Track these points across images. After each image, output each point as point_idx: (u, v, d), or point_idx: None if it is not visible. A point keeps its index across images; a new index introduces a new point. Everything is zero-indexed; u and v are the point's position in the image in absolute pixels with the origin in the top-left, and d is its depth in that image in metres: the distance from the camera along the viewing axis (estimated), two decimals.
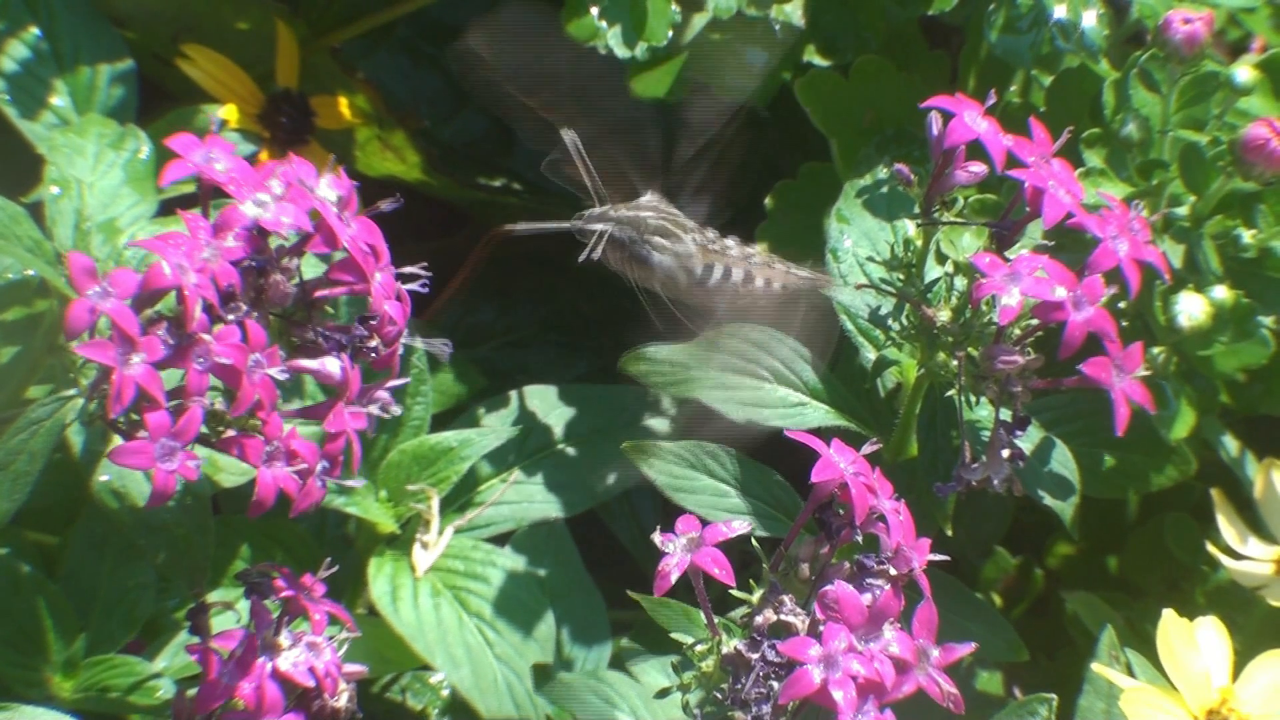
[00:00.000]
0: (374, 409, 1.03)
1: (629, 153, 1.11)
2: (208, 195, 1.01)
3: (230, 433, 1.00)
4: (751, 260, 1.12)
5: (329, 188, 1.02)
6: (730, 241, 1.13)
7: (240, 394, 0.98)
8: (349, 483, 1.02)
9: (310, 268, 1.03)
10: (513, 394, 1.32)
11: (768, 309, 1.14)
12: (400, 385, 1.05)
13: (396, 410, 1.04)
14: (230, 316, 0.98)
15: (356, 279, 1.01)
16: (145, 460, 0.97)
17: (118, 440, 0.98)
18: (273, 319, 1.01)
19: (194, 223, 0.98)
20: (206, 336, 0.97)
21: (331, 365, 1.01)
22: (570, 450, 1.30)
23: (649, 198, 1.11)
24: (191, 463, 0.97)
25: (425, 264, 1.05)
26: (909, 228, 1.13)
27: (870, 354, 1.13)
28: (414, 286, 1.04)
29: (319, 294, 1.02)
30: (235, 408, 0.98)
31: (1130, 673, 1.09)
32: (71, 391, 1.04)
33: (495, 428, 1.29)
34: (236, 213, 0.99)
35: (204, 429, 0.98)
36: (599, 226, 1.10)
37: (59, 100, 1.28)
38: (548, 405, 1.31)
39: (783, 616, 0.97)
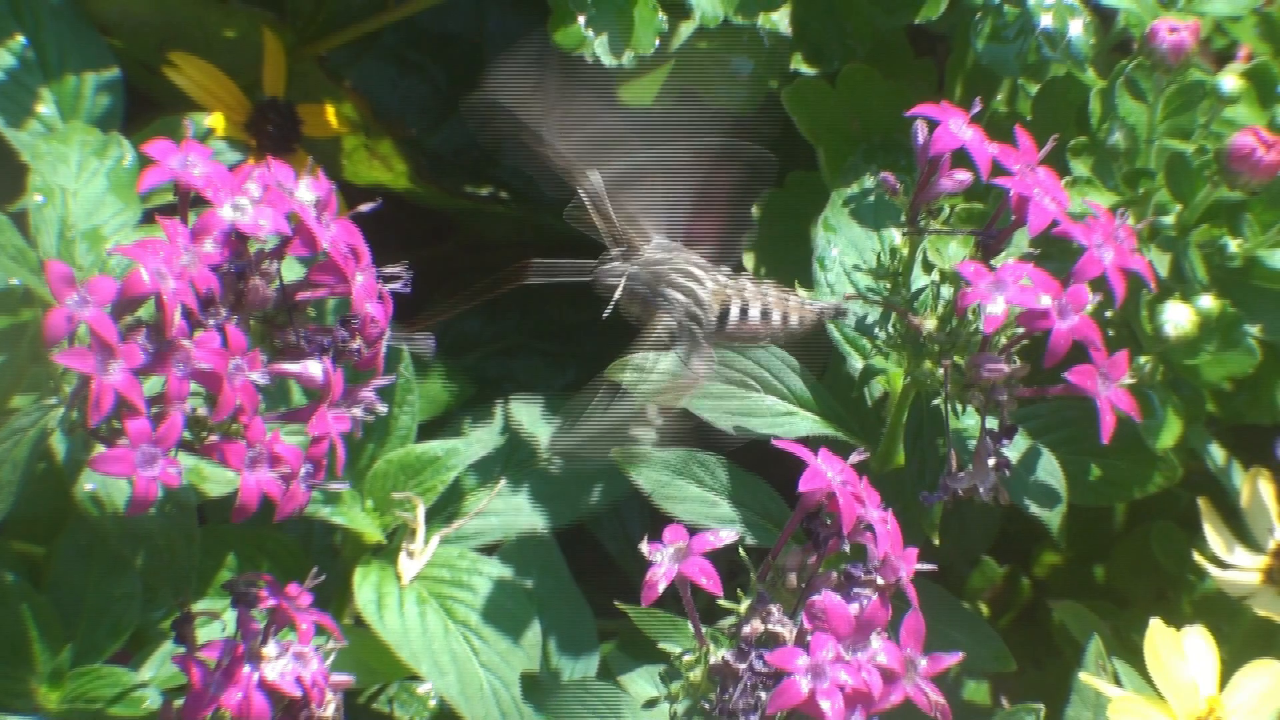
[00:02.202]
0: (358, 411, 1.03)
1: (638, 197, 1.10)
2: (186, 201, 1.01)
3: (213, 438, 1.00)
4: (768, 296, 1.11)
5: (308, 190, 1.02)
6: (745, 279, 1.12)
7: (221, 399, 0.97)
8: (333, 485, 1.02)
9: (291, 271, 1.02)
10: (497, 407, 1.31)
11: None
12: (385, 385, 1.05)
13: (382, 409, 1.04)
14: (210, 321, 0.98)
15: (337, 280, 1.01)
16: (126, 467, 0.96)
17: (100, 448, 0.98)
18: (254, 323, 1.01)
19: (172, 228, 0.98)
20: (186, 342, 0.97)
21: (313, 368, 1.01)
22: (556, 463, 1.30)
23: (659, 243, 1.10)
24: (173, 469, 0.97)
25: (412, 273, 1.04)
26: (895, 236, 1.13)
27: (857, 363, 1.13)
28: (396, 286, 1.04)
29: (300, 296, 1.02)
30: (217, 413, 0.98)
31: (1118, 682, 1.09)
32: (54, 400, 1.04)
33: (482, 437, 1.28)
34: (214, 217, 0.99)
35: (187, 435, 0.98)
36: (615, 279, 1.09)
37: (45, 109, 1.28)
38: (533, 419, 1.31)
39: (770, 626, 0.97)
